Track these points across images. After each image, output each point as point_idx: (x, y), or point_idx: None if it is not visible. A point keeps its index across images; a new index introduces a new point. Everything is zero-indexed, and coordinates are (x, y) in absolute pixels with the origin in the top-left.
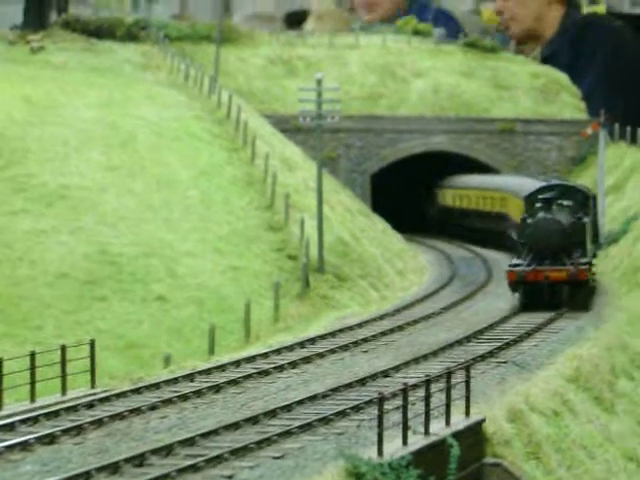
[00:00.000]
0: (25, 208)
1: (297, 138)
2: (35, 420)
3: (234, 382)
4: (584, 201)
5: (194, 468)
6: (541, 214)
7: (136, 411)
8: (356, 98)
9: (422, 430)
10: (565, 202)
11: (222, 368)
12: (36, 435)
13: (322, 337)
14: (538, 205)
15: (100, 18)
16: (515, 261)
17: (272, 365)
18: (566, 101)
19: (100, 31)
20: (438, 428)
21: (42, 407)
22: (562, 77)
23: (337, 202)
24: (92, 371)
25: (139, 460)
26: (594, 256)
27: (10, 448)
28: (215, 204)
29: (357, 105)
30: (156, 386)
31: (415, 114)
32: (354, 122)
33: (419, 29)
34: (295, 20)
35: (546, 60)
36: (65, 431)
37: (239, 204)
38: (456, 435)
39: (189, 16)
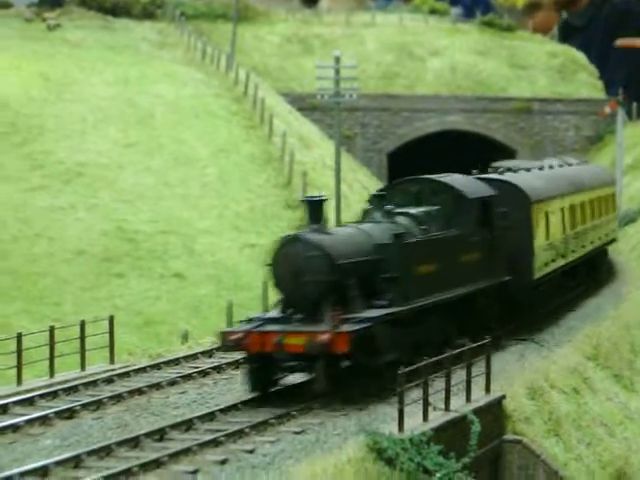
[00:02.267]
0: (43, 185)
1: (313, 116)
2: (54, 395)
3: None
4: (462, 208)
5: (215, 442)
6: (298, 233)
7: (155, 386)
8: (372, 77)
9: (442, 406)
10: (407, 209)
11: None
12: (56, 410)
13: None
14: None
15: None
16: (266, 314)
17: None
18: (583, 80)
19: (116, 9)
20: (459, 404)
21: (61, 382)
22: (579, 56)
23: (354, 180)
24: (111, 347)
25: (159, 434)
26: (520, 306)
27: (30, 422)
28: (233, 182)
29: (373, 84)
30: (175, 362)
31: (431, 93)
32: (370, 101)
33: (436, 8)
34: None
35: (578, 30)
36: (84, 406)
37: (257, 182)
38: (477, 411)
39: None
